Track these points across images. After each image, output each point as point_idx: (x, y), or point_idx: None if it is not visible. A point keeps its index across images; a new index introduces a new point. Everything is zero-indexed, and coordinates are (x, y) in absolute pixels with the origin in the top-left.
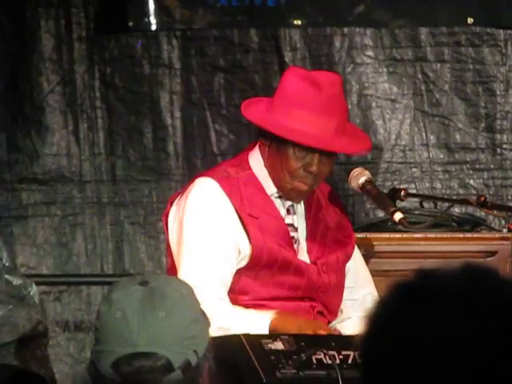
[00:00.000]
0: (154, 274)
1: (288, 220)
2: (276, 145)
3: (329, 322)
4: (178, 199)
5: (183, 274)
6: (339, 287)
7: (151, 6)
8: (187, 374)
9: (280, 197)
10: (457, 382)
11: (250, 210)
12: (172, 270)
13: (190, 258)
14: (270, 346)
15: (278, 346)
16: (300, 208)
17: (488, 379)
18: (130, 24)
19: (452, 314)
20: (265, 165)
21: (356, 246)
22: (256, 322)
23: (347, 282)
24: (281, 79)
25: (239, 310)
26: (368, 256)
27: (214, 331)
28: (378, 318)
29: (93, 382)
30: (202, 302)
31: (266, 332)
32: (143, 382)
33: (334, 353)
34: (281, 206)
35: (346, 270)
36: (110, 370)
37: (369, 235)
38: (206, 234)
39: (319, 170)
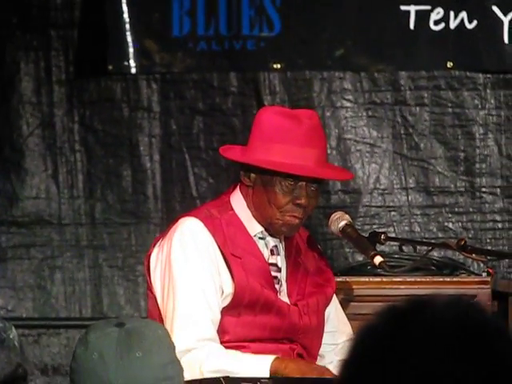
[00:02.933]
0: (129, 317)
1: (272, 260)
2: (262, 182)
3: None
4: (160, 241)
5: (173, 314)
6: (319, 330)
7: (131, 49)
8: None
9: (263, 238)
10: None
11: (233, 249)
12: (153, 312)
13: (178, 298)
14: None
15: None
16: (281, 250)
17: None
18: (110, 67)
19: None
20: (248, 206)
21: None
22: (256, 365)
23: (329, 327)
24: (255, 119)
25: (237, 352)
26: (347, 300)
27: (210, 373)
28: (364, 342)
29: None
30: (194, 343)
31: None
32: None
33: None
34: (264, 247)
35: (327, 314)
36: None
37: (348, 279)
38: (194, 273)
39: (308, 202)
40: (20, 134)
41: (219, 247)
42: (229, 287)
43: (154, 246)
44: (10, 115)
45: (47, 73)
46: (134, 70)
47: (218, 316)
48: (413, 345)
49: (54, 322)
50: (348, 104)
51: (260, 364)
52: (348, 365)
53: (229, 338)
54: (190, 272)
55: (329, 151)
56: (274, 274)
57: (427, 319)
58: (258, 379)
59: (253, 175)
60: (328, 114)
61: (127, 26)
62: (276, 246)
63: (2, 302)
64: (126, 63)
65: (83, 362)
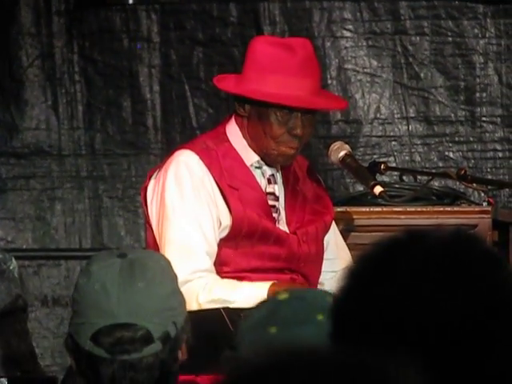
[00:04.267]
0: (131, 248)
1: (269, 189)
2: (256, 113)
3: None
4: (156, 173)
5: (169, 247)
6: (319, 258)
7: None
8: (166, 345)
9: (259, 167)
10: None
11: (230, 181)
12: (151, 244)
13: (173, 231)
14: None
15: None
16: (279, 179)
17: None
18: None
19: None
20: (243, 136)
21: (333, 221)
22: (253, 292)
23: (328, 254)
24: (248, 49)
25: (234, 281)
26: (348, 230)
27: (207, 303)
28: (357, 272)
29: (71, 355)
30: (190, 275)
31: None
32: (123, 352)
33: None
34: (261, 177)
35: (326, 242)
36: (89, 342)
37: (348, 209)
38: (189, 206)
39: (303, 132)
40: (20, 65)
41: (215, 179)
42: (226, 219)
43: (149, 178)
44: (9, 46)
45: (46, 3)
46: (131, 1)
47: (215, 248)
48: (408, 273)
49: (53, 253)
50: (348, 34)
51: (257, 291)
52: (343, 291)
53: (229, 269)
54: (185, 204)
55: (329, 81)
56: (271, 202)
57: (423, 248)
58: None
59: (247, 106)
60: (328, 44)
61: None
62: (273, 175)
63: (2, 233)
64: None
65: (85, 292)
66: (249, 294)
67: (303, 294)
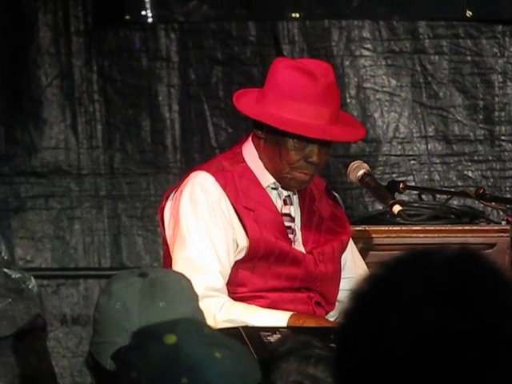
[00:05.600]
0: (152, 267)
1: (285, 210)
2: (274, 137)
3: (327, 313)
4: (173, 194)
5: (182, 264)
6: (336, 277)
7: None
8: None
9: (275, 188)
10: (411, 376)
11: (246, 202)
12: (168, 264)
13: (187, 250)
14: (269, 338)
15: (277, 338)
16: (295, 199)
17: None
18: (127, 17)
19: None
20: (260, 157)
21: (351, 239)
22: (273, 320)
23: (346, 273)
24: (270, 71)
25: (253, 306)
26: (367, 248)
27: (225, 322)
28: (361, 294)
29: (92, 374)
30: (205, 291)
31: None
32: None
33: (333, 345)
34: (277, 198)
35: (343, 261)
36: (109, 361)
37: (367, 228)
38: (203, 227)
39: (319, 160)
40: (38, 85)
41: (231, 201)
42: (243, 240)
43: (166, 199)
44: (28, 66)
45: (65, 23)
46: (151, 20)
47: (228, 270)
48: (411, 295)
49: (72, 273)
50: (367, 53)
51: (277, 318)
52: (347, 312)
53: (245, 290)
54: (199, 225)
55: (348, 100)
56: (287, 224)
57: (427, 269)
58: (277, 328)
59: (265, 129)
60: (347, 63)
61: None
62: (289, 196)
63: (21, 253)
64: (143, 12)
65: (106, 311)
66: (268, 319)
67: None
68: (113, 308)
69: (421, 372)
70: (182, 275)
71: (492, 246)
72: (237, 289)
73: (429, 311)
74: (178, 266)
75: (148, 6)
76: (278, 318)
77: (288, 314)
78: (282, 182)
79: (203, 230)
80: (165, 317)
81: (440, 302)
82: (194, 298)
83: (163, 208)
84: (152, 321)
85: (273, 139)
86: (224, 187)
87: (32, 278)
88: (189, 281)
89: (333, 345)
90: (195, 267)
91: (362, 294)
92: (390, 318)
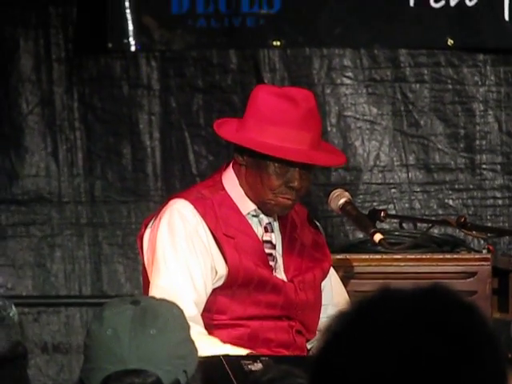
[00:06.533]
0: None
1: (266, 237)
2: (255, 163)
3: (307, 341)
4: (152, 221)
5: (156, 292)
6: (317, 305)
7: (130, 27)
8: None
9: (256, 216)
10: None
11: (226, 230)
12: (147, 292)
13: (162, 278)
14: (249, 366)
15: (258, 366)
16: (276, 226)
17: None
18: (110, 45)
19: (393, 334)
20: (240, 184)
21: (332, 267)
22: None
23: (323, 300)
24: (251, 97)
25: (216, 340)
26: (347, 277)
27: None
28: (330, 332)
29: None
30: None
31: None
32: None
33: None
34: (257, 225)
35: (322, 288)
36: None
37: (348, 256)
38: (180, 255)
39: (300, 185)
40: (19, 112)
41: (210, 228)
42: (222, 268)
43: (145, 227)
44: (9, 93)
45: (46, 50)
46: (133, 48)
47: (204, 298)
48: (374, 332)
49: (53, 300)
50: (348, 81)
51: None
52: (320, 349)
53: (225, 317)
54: (176, 253)
55: (329, 128)
56: (268, 251)
57: (396, 307)
58: (258, 357)
59: (246, 155)
60: (328, 91)
61: (127, 4)
62: (270, 223)
63: (2, 280)
64: (125, 41)
65: (97, 338)
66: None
67: None
68: (104, 334)
69: None
70: (174, 304)
71: (473, 274)
72: (216, 316)
73: (403, 341)
74: (153, 294)
75: (130, 33)
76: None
77: (245, 351)
78: (265, 207)
79: (180, 259)
80: (155, 344)
81: (415, 331)
82: (186, 326)
83: (142, 235)
84: (142, 348)
85: (254, 164)
86: (203, 214)
87: (13, 306)
88: (180, 309)
89: None
90: (168, 296)
91: (333, 331)
92: (358, 352)
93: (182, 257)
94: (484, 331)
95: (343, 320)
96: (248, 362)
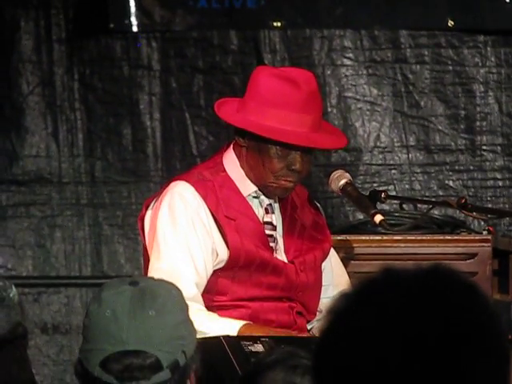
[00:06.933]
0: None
1: (267, 219)
2: (256, 145)
3: (308, 322)
4: (153, 203)
5: (156, 274)
6: (317, 286)
7: (132, 7)
8: (175, 373)
9: (257, 197)
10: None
11: (227, 211)
12: (147, 273)
13: (162, 261)
14: (250, 348)
15: (258, 348)
16: (277, 208)
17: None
18: (111, 25)
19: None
20: (241, 165)
21: (332, 248)
22: (226, 327)
23: (323, 281)
24: (251, 79)
25: (213, 314)
26: (348, 258)
27: None
28: (333, 313)
29: (80, 381)
30: None
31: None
32: (132, 379)
33: None
34: (258, 207)
35: (322, 268)
36: (98, 368)
37: (348, 237)
38: (180, 238)
39: (302, 168)
40: (20, 93)
41: (211, 211)
42: (223, 250)
43: (146, 208)
44: (9, 74)
45: (47, 31)
46: (135, 28)
47: (204, 280)
48: (377, 311)
49: (53, 281)
50: (348, 62)
51: (229, 326)
52: (323, 331)
53: (226, 299)
54: (177, 236)
55: (329, 109)
56: (268, 232)
57: (399, 287)
58: (258, 338)
59: (247, 137)
60: (328, 72)
61: None
62: (270, 205)
63: (2, 261)
64: (126, 21)
65: (96, 319)
66: (221, 327)
67: None
68: (102, 315)
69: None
70: (173, 285)
71: (473, 255)
72: (217, 297)
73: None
74: (152, 275)
75: (132, 14)
76: (232, 326)
77: (242, 322)
78: (267, 190)
79: (181, 241)
80: (154, 325)
81: (416, 315)
82: (184, 307)
83: (143, 217)
84: (141, 329)
85: (255, 147)
86: (204, 197)
87: (13, 287)
88: (179, 290)
89: None
90: (168, 278)
91: (336, 311)
92: (363, 333)
93: (182, 239)
94: (487, 312)
95: (346, 301)
96: (248, 342)
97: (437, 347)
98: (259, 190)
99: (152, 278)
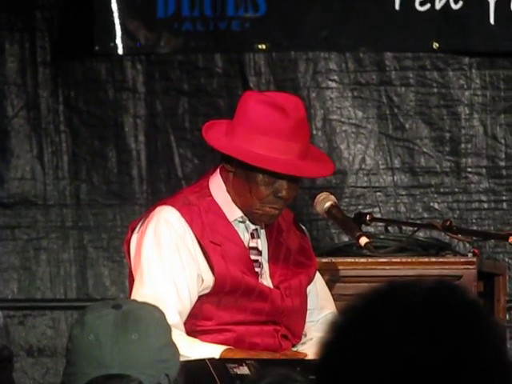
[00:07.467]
0: (126, 299)
1: (252, 244)
2: (243, 171)
3: (293, 345)
4: (139, 226)
5: (140, 299)
6: (303, 310)
7: (117, 30)
8: None
9: (242, 222)
10: None
11: (212, 237)
12: None
13: (146, 287)
14: (235, 370)
15: (244, 370)
16: (262, 232)
17: None
18: (96, 48)
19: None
20: (227, 190)
21: (317, 271)
22: (207, 352)
23: (308, 305)
24: (240, 104)
25: (193, 339)
26: (333, 280)
27: None
28: (340, 325)
29: None
30: None
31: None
32: None
33: (313, 377)
34: (244, 231)
35: (307, 292)
36: None
37: (334, 260)
38: (166, 264)
39: (289, 195)
40: (5, 115)
41: (196, 236)
42: (208, 276)
43: (132, 231)
44: None
45: (32, 54)
46: (120, 51)
47: (188, 307)
48: (389, 326)
49: (39, 303)
50: (333, 84)
51: (210, 351)
52: (326, 344)
53: (211, 323)
54: (161, 262)
55: (314, 132)
56: (254, 257)
57: (405, 301)
58: (243, 360)
59: (234, 163)
60: (313, 94)
61: (113, 7)
62: (256, 230)
63: None
64: (112, 44)
65: (79, 342)
66: (203, 352)
67: None
68: (86, 339)
69: None
70: (156, 308)
71: (458, 278)
72: (202, 322)
73: (406, 344)
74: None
75: (117, 37)
76: (213, 351)
77: (223, 347)
78: (252, 216)
79: (165, 267)
80: (137, 348)
81: (417, 335)
82: (167, 330)
83: (129, 240)
84: (124, 352)
85: (242, 173)
86: (190, 222)
87: None
88: (162, 313)
89: (312, 377)
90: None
91: (341, 327)
92: (370, 350)
93: (167, 265)
94: (489, 331)
95: (345, 319)
96: (233, 365)
97: (435, 372)
98: (245, 215)
99: (135, 301)
